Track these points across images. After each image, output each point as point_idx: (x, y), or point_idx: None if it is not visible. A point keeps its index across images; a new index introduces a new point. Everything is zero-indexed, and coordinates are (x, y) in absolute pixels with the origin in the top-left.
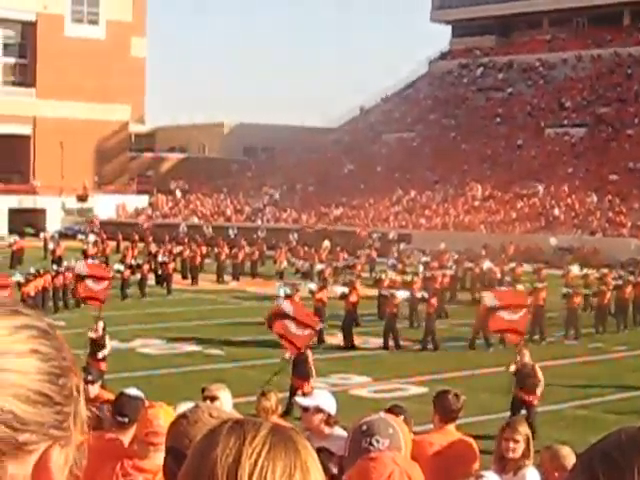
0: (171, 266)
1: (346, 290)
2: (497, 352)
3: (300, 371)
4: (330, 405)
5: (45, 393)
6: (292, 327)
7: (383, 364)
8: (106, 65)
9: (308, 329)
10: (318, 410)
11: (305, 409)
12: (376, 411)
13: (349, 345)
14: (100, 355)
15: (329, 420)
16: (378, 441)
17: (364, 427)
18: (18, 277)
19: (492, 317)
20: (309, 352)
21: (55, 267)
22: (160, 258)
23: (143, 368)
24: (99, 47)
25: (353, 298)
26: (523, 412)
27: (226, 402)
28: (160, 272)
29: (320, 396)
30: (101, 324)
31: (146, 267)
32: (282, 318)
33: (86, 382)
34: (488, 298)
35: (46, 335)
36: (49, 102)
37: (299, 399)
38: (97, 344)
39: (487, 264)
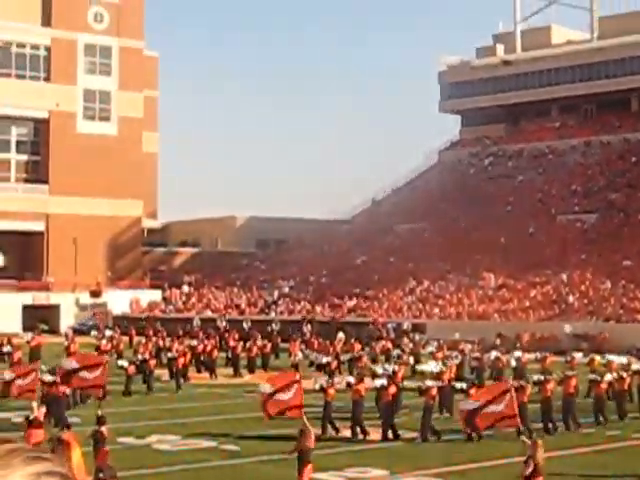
0: (180, 361)
1: (384, 382)
2: (511, 443)
3: (301, 463)
4: None
5: None
6: (283, 397)
7: (400, 456)
8: (118, 161)
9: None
10: None
11: None
12: None
13: (394, 437)
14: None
15: None
16: None
17: None
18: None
19: (479, 416)
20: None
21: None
22: (169, 354)
23: (159, 464)
24: (111, 143)
25: (392, 390)
26: None
27: None
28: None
29: None
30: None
31: (152, 362)
32: (269, 398)
33: None
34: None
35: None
36: (62, 198)
37: None
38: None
39: (494, 354)
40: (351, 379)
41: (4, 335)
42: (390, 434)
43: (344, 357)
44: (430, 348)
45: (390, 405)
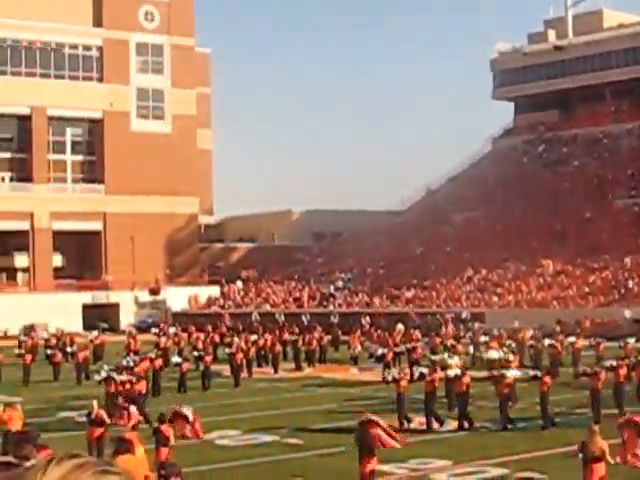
0: (239, 357)
1: (458, 372)
2: (575, 431)
3: (367, 448)
4: None
5: None
6: (384, 435)
7: (462, 446)
8: (173, 158)
9: (395, 441)
10: None
11: None
12: None
13: (467, 425)
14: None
15: None
16: None
17: None
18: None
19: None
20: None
21: (124, 363)
22: (227, 350)
23: (222, 460)
24: (165, 141)
25: (467, 379)
26: None
27: None
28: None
29: None
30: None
31: (208, 358)
32: (375, 427)
33: (159, 477)
34: None
35: None
36: (118, 197)
37: None
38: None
39: (547, 340)
40: (425, 370)
41: (67, 334)
42: (466, 424)
43: (399, 348)
44: (483, 337)
45: (464, 395)
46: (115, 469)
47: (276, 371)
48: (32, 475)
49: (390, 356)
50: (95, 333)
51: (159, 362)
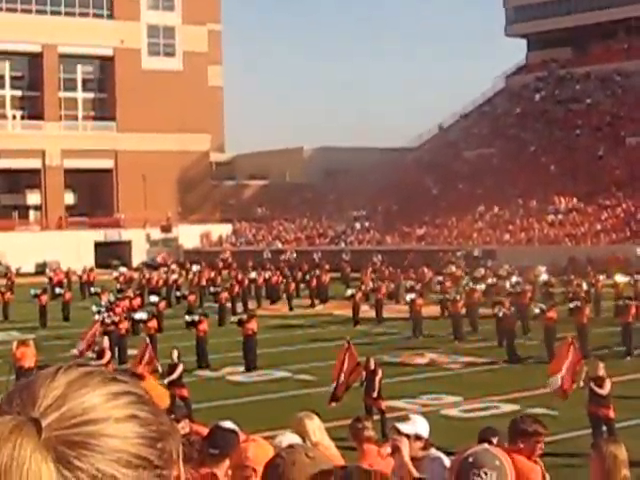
0: (224, 296)
1: (541, 309)
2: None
3: (371, 389)
4: (427, 430)
5: (145, 457)
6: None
7: (474, 382)
8: (184, 96)
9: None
10: (418, 437)
11: (406, 437)
12: (467, 432)
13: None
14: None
15: (426, 445)
16: (486, 473)
17: (470, 459)
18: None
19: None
20: (379, 370)
21: (104, 302)
22: (212, 289)
23: (234, 396)
24: (176, 78)
25: (551, 314)
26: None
27: (315, 430)
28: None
29: (418, 423)
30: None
31: (192, 297)
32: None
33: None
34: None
35: (143, 401)
36: (129, 135)
37: (400, 425)
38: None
39: (544, 277)
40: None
41: (90, 272)
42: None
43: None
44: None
45: (549, 329)
46: (124, 378)
47: (291, 308)
48: (41, 381)
49: (359, 296)
50: (122, 269)
51: (137, 301)
